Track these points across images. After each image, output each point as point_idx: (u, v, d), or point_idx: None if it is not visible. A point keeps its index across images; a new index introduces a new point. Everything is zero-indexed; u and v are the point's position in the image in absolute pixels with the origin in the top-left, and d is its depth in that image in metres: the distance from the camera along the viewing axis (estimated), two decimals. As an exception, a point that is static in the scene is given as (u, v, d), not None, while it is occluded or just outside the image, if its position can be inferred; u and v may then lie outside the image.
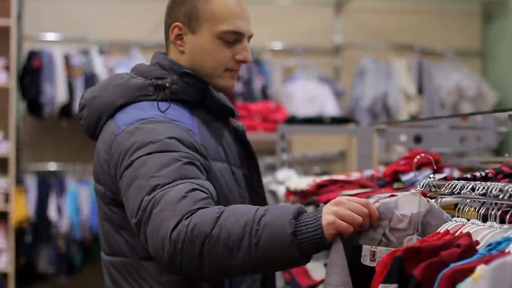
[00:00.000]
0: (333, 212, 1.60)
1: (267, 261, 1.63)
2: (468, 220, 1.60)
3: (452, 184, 1.64)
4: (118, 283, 1.92)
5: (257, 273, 1.80)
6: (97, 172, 1.92)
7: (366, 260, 1.61)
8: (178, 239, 1.62)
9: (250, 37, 2.01)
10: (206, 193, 1.72)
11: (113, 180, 1.86)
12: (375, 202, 1.65)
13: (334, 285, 1.59)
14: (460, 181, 1.63)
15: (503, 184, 1.50)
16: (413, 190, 1.66)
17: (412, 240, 1.62)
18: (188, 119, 1.92)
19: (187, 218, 1.64)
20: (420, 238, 1.62)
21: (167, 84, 1.94)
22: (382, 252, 1.60)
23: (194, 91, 1.96)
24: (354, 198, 1.65)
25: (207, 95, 1.98)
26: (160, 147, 1.79)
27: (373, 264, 1.59)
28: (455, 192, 1.62)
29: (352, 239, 1.64)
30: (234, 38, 1.97)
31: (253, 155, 2.09)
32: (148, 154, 1.78)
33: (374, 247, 1.61)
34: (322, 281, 2.34)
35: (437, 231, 1.61)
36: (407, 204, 1.66)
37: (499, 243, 1.40)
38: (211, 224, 1.62)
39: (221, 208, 1.67)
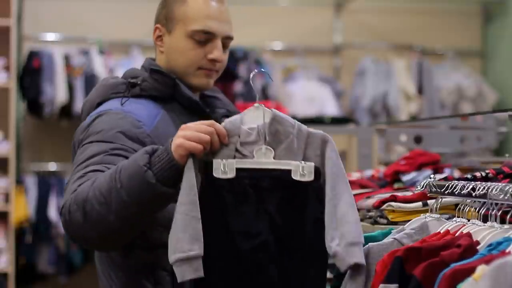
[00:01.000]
0: (180, 136, 1.71)
1: (137, 202, 1.73)
2: (469, 220, 1.60)
3: (453, 184, 1.64)
4: (99, 275, 2.05)
5: (140, 220, 1.82)
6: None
7: (218, 173, 1.73)
8: (66, 212, 1.78)
9: (227, 38, 2.10)
10: None
11: None
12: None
13: (182, 203, 1.70)
14: (461, 181, 1.63)
15: (503, 184, 1.50)
16: (256, 104, 1.78)
17: (262, 150, 1.75)
18: (148, 112, 2.02)
19: (73, 192, 1.78)
20: (270, 148, 1.76)
21: (138, 82, 2.06)
22: (232, 164, 1.73)
23: (162, 86, 2.07)
24: (200, 121, 1.76)
25: (177, 90, 2.08)
26: (101, 137, 1.92)
27: (224, 176, 1.73)
28: (456, 193, 1.62)
29: (207, 159, 1.75)
30: (205, 38, 2.07)
31: None
32: (90, 143, 1.92)
33: (223, 160, 1.74)
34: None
35: (437, 231, 1.61)
36: (252, 118, 1.79)
37: (499, 243, 1.40)
38: (87, 189, 1.76)
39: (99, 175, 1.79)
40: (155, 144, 1.92)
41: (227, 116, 2.18)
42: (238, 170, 1.74)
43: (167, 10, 2.10)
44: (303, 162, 1.75)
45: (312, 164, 1.75)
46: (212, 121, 1.75)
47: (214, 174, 1.73)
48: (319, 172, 1.74)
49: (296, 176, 1.74)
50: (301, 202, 1.74)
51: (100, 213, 1.74)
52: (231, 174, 1.74)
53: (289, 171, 1.74)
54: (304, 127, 1.79)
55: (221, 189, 1.74)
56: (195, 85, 2.12)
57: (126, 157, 1.85)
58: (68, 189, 1.83)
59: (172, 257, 1.67)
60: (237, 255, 1.72)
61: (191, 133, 1.71)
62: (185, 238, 1.66)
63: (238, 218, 1.73)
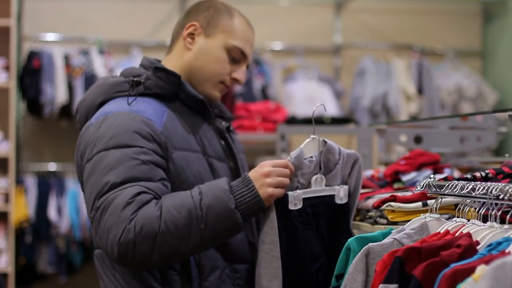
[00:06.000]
0: (268, 184, 1.87)
1: (216, 237, 1.86)
2: (469, 220, 1.60)
3: (453, 184, 1.64)
4: (100, 274, 2.05)
5: (209, 248, 1.96)
6: (78, 167, 2.04)
7: (291, 205, 1.91)
8: (128, 243, 1.78)
9: (248, 65, 2.20)
10: (152, 195, 1.85)
11: (81, 171, 1.98)
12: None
13: (265, 242, 1.88)
14: (461, 182, 1.63)
15: (503, 184, 1.50)
16: (312, 136, 1.97)
17: (317, 179, 1.94)
18: (155, 110, 2.02)
19: (130, 222, 1.79)
20: (323, 176, 1.95)
21: (142, 80, 2.07)
22: (300, 195, 1.92)
23: (166, 84, 2.08)
24: (273, 162, 1.91)
25: (181, 88, 2.09)
26: (117, 142, 1.90)
27: (295, 207, 1.90)
28: (456, 193, 1.62)
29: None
30: (238, 57, 2.13)
31: (233, 152, 2.20)
32: (106, 149, 1.90)
33: (295, 192, 1.91)
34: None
35: (437, 231, 1.61)
36: (309, 149, 1.96)
37: (499, 243, 1.40)
38: (157, 222, 1.79)
39: (158, 204, 1.82)
40: (168, 141, 1.97)
41: (220, 117, 2.21)
42: (303, 199, 1.92)
43: (211, 15, 2.14)
44: (340, 185, 1.96)
45: (347, 187, 1.97)
46: (286, 162, 1.91)
47: (289, 207, 1.90)
48: (349, 194, 1.97)
49: (337, 200, 1.95)
50: (339, 222, 1.95)
51: (174, 246, 1.81)
52: (299, 205, 1.91)
53: (333, 196, 1.96)
54: (344, 151, 1.98)
55: (294, 219, 1.90)
56: (207, 94, 2.14)
57: (152, 163, 1.88)
58: (114, 214, 1.80)
59: None
60: (307, 278, 1.88)
61: (276, 182, 1.87)
62: (265, 276, 1.85)
63: (306, 244, 1.91)
